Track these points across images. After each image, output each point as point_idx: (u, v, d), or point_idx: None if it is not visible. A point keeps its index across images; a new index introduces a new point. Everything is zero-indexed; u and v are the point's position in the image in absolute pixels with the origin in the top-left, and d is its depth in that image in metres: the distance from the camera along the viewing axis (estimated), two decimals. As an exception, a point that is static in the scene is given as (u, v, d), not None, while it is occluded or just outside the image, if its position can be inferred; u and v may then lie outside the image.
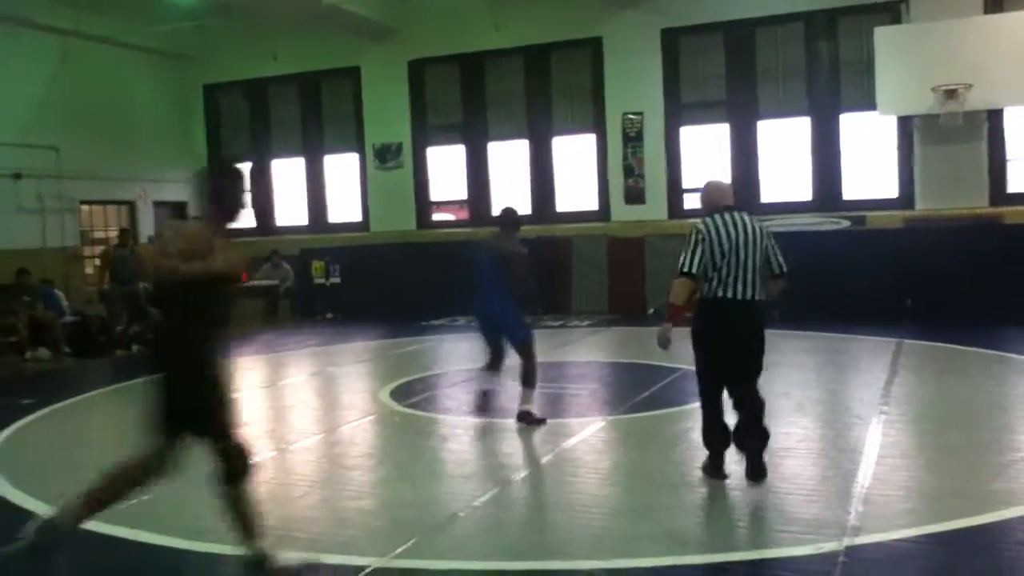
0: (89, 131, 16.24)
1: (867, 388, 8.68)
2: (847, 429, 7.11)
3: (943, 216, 13.83)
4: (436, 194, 17.94)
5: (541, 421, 7.41)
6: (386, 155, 17.93)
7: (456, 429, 7.69)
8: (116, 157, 16.80)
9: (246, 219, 4.36)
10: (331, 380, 10.92)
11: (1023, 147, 14.13)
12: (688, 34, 15.83)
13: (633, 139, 16.14)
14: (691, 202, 15.28)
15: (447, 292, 12.26)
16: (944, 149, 14.00)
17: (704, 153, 15.90)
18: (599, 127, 16.44)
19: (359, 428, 7.92)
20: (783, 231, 11.84)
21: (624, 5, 15.87)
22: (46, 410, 8.97)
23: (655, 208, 15.97)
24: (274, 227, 18.76)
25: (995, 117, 13.93)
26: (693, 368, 5.83)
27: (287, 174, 19.14)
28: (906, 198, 14.50)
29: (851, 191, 15.08)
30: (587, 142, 16.66)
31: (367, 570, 4.41)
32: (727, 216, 5.53)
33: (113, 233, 16.05)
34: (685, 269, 5.46)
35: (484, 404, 7.60)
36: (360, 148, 18.22)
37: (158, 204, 18.26)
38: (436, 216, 17.98)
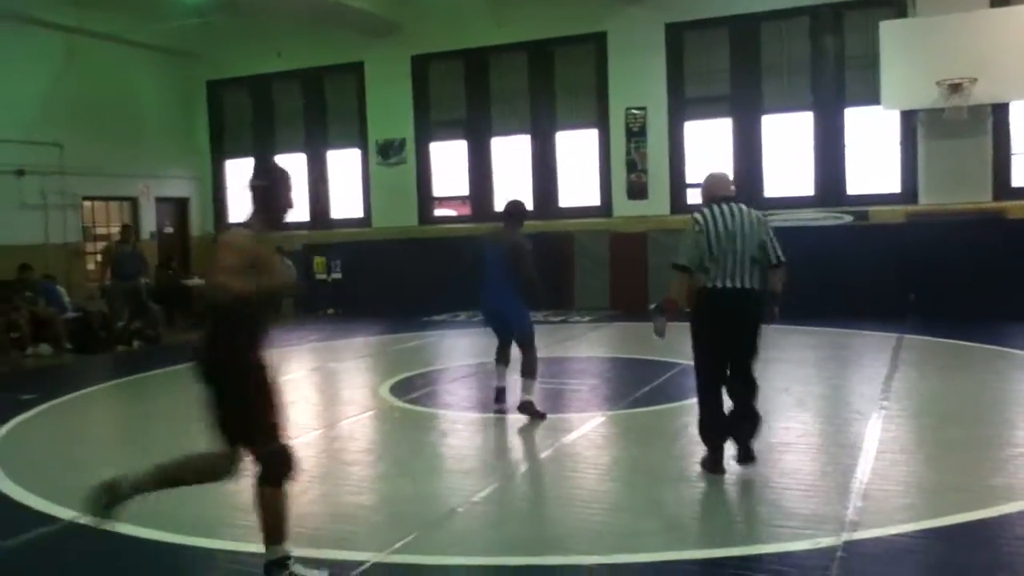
0: (93, 127, 16.27)
1: (868, 383, 8.68)
2: (847, 424, 7.11)
3: (947, 211, 13.77)
4: (438, 190, 17.91)
5: (541, 416, 7.42)
6: (389, 151, 17.90)
7: (456, 424, 7.71)
8: (119, 153, 16.83)
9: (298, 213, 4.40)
10: (331, 375, 10.92)
11: (1028, 142, 14.10)
12: (692, 29, 15.76)
13: (636, 134, 16.10)
14: (694, 197, 15.17)
15: (449, 288, 12.25)
16: (948, 143, 13.93)
17: (707, 148, 15.84)
18: (602, 122, 16.39)
19: (359, 423, 7.92)
20: (786, 226, 11.85)
21: (628, 0, 15.82)
22: (46, 405, 8.97)
23: (658, 203, 15.92)
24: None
25: (1000, 111, 13.87)
26: (692, 364, 5.85)
27: (290, 170, 19.08)
28: (909, 193, 14.44)
29: (854, 186, 15.01)
30: (590, 137, 16.61)
31: (366, 565, 4.41)
32: (724, 206, 5.60)
33: (115, 229, 16.06)
34: (676, 262, 5.57)
35: (501, 400, 7.92)
36: (363, 144, 18.20)
37: (160, 200, 18.35)
38: (438, 212, 17.94)
